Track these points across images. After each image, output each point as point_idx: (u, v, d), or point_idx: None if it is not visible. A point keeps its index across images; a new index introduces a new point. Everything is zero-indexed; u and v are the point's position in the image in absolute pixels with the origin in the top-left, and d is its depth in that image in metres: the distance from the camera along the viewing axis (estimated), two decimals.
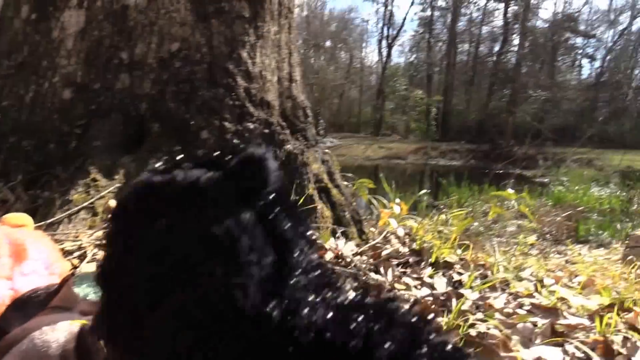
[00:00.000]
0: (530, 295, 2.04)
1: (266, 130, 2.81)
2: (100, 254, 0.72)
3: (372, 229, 2.81)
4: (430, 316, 0.62)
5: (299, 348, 0.55)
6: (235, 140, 2.67)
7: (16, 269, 1.16)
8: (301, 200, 2.56)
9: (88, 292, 0.98)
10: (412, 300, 1.87)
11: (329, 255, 2.20)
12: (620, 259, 4.60)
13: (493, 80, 34.93)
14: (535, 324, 1.71)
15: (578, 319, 1.81)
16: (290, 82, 3.23)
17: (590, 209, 7.94)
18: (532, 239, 3.64)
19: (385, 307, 0.61)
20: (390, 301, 0.62)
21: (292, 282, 0.61)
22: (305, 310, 0.58)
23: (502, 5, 36.66)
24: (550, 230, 6.41)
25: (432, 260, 2.29)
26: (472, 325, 1.63)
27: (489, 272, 2.28)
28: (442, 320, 1.65)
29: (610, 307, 1.93)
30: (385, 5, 39.38)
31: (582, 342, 1.61)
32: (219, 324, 0.56)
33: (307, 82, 31.18)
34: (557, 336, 1.64)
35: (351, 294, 0.63)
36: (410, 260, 2.31)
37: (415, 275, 2.14)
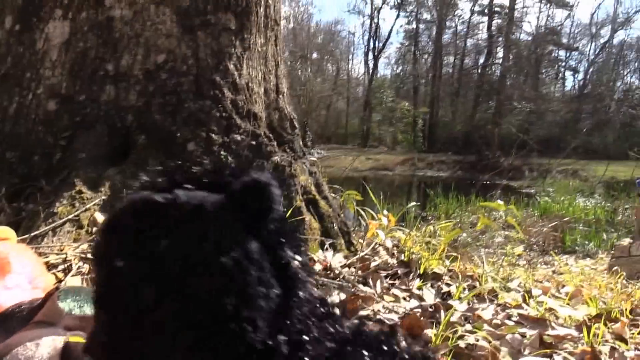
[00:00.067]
0: (518, 306, 2.04)
1: (253, 142, 2.80)
2: (90, 269, 0.70)
3: (360, 241, 2.80)
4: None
5: None
6: (222, 152, 2.66)
7: None
8: (289, 213, 2.55)
9: (73, 307, 0.95)
10: (401, 312, 1.86)
11: (317, 268, 2.19)
12: (606, 269, 4.64)
13: (478, 92, 35.32)
14: (523, 335, 1.71)
15: (566, 329, 1.81)
16: (277, 93, 3.23)
17: (576, 219, 8.01)
18: (519, 249, 3.66)
19: (386, 340, 0.62)
20: (392, 334, 0.62)
21: (297, 314, 0.61)
22: (311, 345, 0.58)
23: (486, 18, 37.21)
24: (537, 240, 6.46)
25: (420, 271, 2.29)
26: (461, 337, 1.62)
27: (477, 283, 2.28)
28: (431, 332, 1.65)
29: (597, 317, 1.94)
30: (371, 18, 39.81)
31: (570, 353, 1.61)
32: (228, 358, 0.55)
33: (294, 93, 31.25)
34: (545, 347, 1.64)
35: (351, 325, 0.63)
36: (399, 271, 2.30)
37: (403, 287, 2.13)
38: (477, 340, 1.61)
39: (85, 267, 1.88)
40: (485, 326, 1.75)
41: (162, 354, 0.56)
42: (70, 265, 1.86)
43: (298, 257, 0.64)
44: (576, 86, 39.42)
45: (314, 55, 43.14)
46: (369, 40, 40.49)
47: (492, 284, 2.24)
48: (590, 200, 10.02)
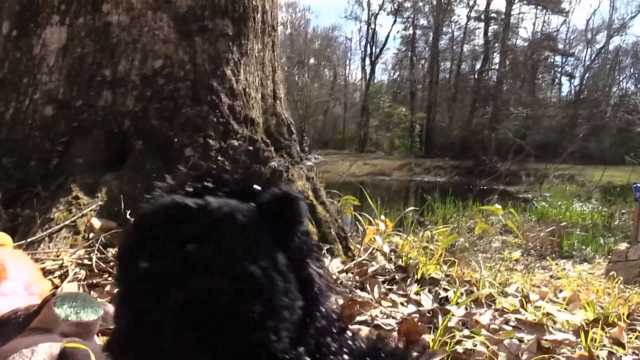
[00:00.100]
0: (516, 311, 2.04)
1: (250, 148, 2.80)
2: (114, 266, 0.70)
3: (358, 246, 2.80)
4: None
5: None
6: (219, 158, 2.66)
7: None
8: None
9: (69, 313, 0.95)
10: (399, 317, 1.85)
11: None
12: (603, 273, 4.64)
13: (475, 97, 35.41)
14: (521, 340, 1.71)
15: (564, 334, 1.81)
16: (275, 99, 3.23)
17: (573, 224, 8.02)
18: (517, 254, 3.66)
19: (402, 358, 0.63)
20: (407, 354, 0.64)
21: (317, 327, 0.62)
22: (330, 358, 0.60)
23: (482, 24, 37.36)
24: (535, 245, 6.46)
25: (418, 276, 2.29)
26: (459, 342, 1.62)
27: (474, 288, 2.28)
28: (429, 337, 1.64)
29: (595, 322, 1.94)
30: (368, 24, 39.91)
31: (568, 358, 1.61)
32: None
33: (291, 99, 31.30)
34: (543, 352, 1.64)
35: (367, 342, 0.66)
36: (396, 276, 2.30)
37: (401, 292, 2.13)
38: (475, 345, 1.61)
39: (82, 273, 1.87)
40: (483, 331, 1.75)
41: (183, 356, 0.56)
42: (67, 271, 1.85)
43: (321, 271, 0.65)
44: (572, 91, 39.56)
45: (311, 60, 43.23)
46: (366, 46, 40.60)
47: (490, 289, 2.24)
48: (587, 205, 10.04)
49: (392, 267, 2.42)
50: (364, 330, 1.63)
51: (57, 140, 2.60)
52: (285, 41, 38.38)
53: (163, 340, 0.57)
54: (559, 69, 39.79)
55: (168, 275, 0.57)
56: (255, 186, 0.64)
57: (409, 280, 2.28)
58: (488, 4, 36.14)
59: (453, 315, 1.82)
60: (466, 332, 1.74)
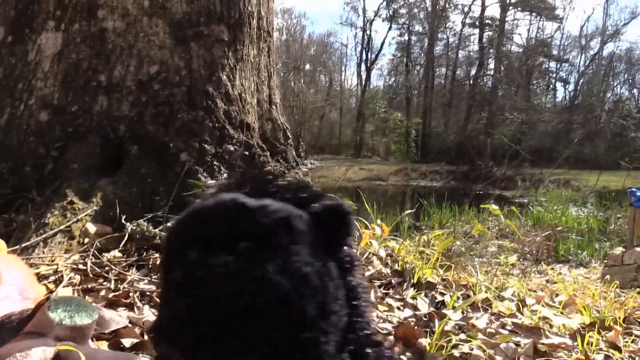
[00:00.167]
0: (512, 315, 2.03)
1: (246, 153, 2.80)
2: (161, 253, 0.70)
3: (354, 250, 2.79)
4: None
5: None
6: (215, 163, 2.65)
7: None
8: None
9: (64, 317, 0.94)
10: (395, 321, 1.85)
11: None
12: (599, 278, 4.65)
13: (470, 103, 35.54)
14: (518, 344, 1.71)
15: (560, 338, 1.81)
16: (270, 104, 3.23)
17: (568, 228, 8.04)
18: (513, 259, 3.66)
19: None
20: None
21: (359, 336, 0.65)
22: None
23: (477, 30, 37.56)
24: (531, 250, 6.47)
25: (414, 281, 2.29)
26: (455, 346, 1.62)
27: (471, 292, 2.28)
28: (426, 341, 1.64)
29: (591, 326, 1.94)
30: (364, 30, 40.08)
31: None
32: None
33: (287, 104, 31.33)
34: (539, 356, 1.64)
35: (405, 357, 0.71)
36: (393, 281, 2.30)
37: (397, 296, 2.13)
38: (472, 349, 1.61)
39: (77, 278, 1.86)
40: (480, 335, 1.74)
41: (233, 348, 0.56)
42: (62, 276, 1.84)
43: (363, 283, 0.69)
44: (567, 97, 39.79)
45: (307, 66, 43.36)
46: (361, 52, 40.78)
47: (486, 293, 2.24)
48: (582, 210, 10.06)
49: (389, 271, 2.41)
50: None
51: (52, 146, 2.60)
52: (281, 47, 38.49)
53: (211, 331, 0.57)
54: (554, 75, 40.04)
55: (218, 268, 0.57)
56: (307, 196, 0.67)
57: (406, 284, 2.27)
58: (483, 11, 36.38)
59: (449, 319, 1.82)
60: (463, 336, 1.73)
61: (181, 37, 2.78)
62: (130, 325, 1.50)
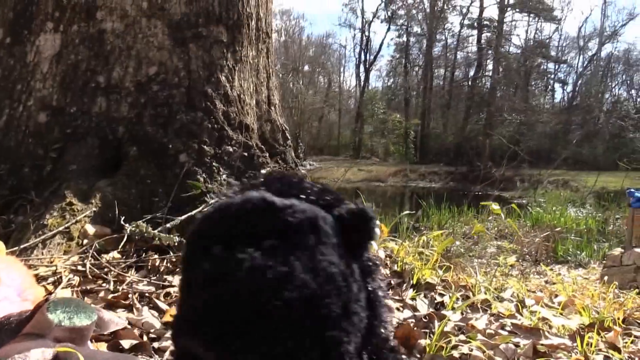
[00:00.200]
0: (511, 316, 2.03)
1: (245, 154, 2.80)
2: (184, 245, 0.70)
3: None
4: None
5: None
6: (214, 164, 2.65)
7: None
8: None
9: (62, 318, 0.94)
10: (395, 322, 1.85)
11: None
12: (598, 278, 4.65)
13: (469, 103, 35.58)
14: (517, 345, 1.71)
15: (559, 339, 1.81)
16: (269, 105, 3.23)
17: (567, 229, 8.05)
18: (512, 259, 3.66)
19: None
20: None
21: (378, 340, 0.66)
22: None
23: (475, 31, 37.61)
24: (530, 251, 6.47)
25: (413, 281, 2.28)
26: (455, 347, 1.62)
27: (470, 293, 2.28)
28: (425, 342, 1.64)
29: (590, 326, 1.94)
30: (362, 31, 40.12)
31: None
32: None
33: (286, 105, 31.34)
34: (539, 356, 1.64)
35: None
36: (392, 282, 2.29)
37: (397, 297, 2.12)
38: (471, 350, 1.61)
39: (76, 280, 1.86)
40: (479, 336, 1.74)
41: (256, 342, 0.56)
42: (61, 277, 1.84)
43: (384, 287, 0.70)
44: (565, 98, 39.88)
45: (306, 67, 43.39)
46: (360, 53, 40.82)
47: (486, 294, 2.24)
48: (581, 211, 10.07)
49: (388, 272, 2.41)
50: None
51: (50, 147, 2.59)
52: (280, 48, 38.52)
53: (235, 325, 0.57)
54: (552, 76, 40.11)
55: (245, 262, 0.58)
56: (331, 200, 0.68)
57: (405, 285, 2.27)
58: (481, 12, 36.44)
59: (449, 320, 1.82)
60: (462, 337, 1.73)
61: (180, 39, 2.78)
62: (129, 326, 1.50)
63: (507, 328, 1.90)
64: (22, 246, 2.02)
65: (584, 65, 38.66)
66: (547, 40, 38.82)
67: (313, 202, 0.66)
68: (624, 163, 13.18)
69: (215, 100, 2.80)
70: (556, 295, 2.59)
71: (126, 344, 1.38)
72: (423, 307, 2.03)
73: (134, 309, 1.67)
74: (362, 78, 40.15)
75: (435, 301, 2.14)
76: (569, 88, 39.35)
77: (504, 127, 31.04)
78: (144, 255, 2.15)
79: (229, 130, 2.80)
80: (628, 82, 39.25)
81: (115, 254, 2.14)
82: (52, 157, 2.57)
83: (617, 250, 5.39)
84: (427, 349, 1.60)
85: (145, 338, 1.48)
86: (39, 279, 1.77)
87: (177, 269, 2.09)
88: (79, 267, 1.96)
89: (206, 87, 2.80)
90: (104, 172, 2.57)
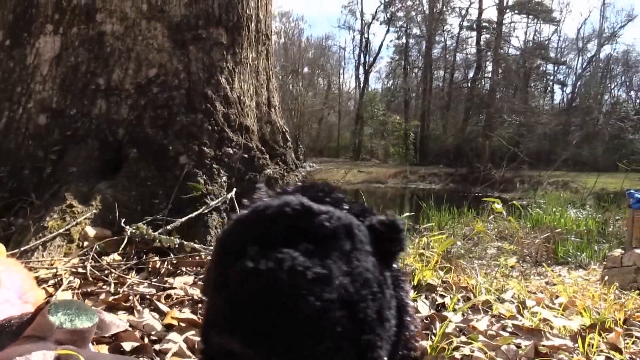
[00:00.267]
0: (513, 317, 2.03)
1: (245, 155, 2.80)
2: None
3: None
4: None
5: None
6: (214, 165, 2.65)
7: None
8: None
9: (64, 321, 0.94)
10: None
11: None
12: (599, 279, 4.65)
13: (469, 105, 35.59)
14: (518, 346, 1.70)
15: (561, 340, 1.81)
16: (269, 107, 3.23)
17: (567, 230, 8.03)
18: (512, 261, 3.66)
19: None
20: None
21: (404, 348, 0.68)
22: None
23: (474, 33, 37.65)
24: (530, 252, 6.46)
25: (414, 283, 2.28)
26: (456, 348, 1.62)
27: (471, 295, 2.28)
28: (427, 344, 1.64)
29: (591, 327, 1.93)
30: (362, 33, 40.13)
31: None
32: None
33: (285, 107, 31.35)
34: (540, 357, 1.64)
35: None
36: None
37: None
38: (473, 351, 1.61)
39: (76, 282, 1.86)
40: (481, 337, 1.74)
41: (291, 343, 0.57)
42: (61, 279, 1.84)
43: (410, 297, 0.72)
44: (565, 99, 39.88)
45: (305, 69, 43.38)
46: (359, 55, 40.81)
47: (487, 295, 2.24)
48: (581, 212, 10.06)
49: None
50: None
51: (50, 149, 2.59)
52: (279, 50, 38.53)
53: (273, 323, 0.57)
54: (551, 77, 40.13)
55: (286, 262, 0.58)
56: (362, 209, 0.70)
57: None
58: (480, 14, 36.48)
59: (450, 321, 1.82)
60: (463, 338, 1.73)
61: (180, 41, 2.78)
62: (130, 328, 1.50)
63: (509, 329, 1.89)
64: (22, 248, 2.02)
65: (583, 66, 38.72)
66: (546, 42, 38.86)
67: (346, 211, 0.67)
68: (624, 164, 13.19)
69: (215, 102, 2.80)
70: (557, 297, 2.59)
71: (127, 346, 1.38)
72: (424, 309, 2.03)
73: (135, 311, 1.67)
74: (362, 80, 40.19)
75: (436, 302, 2.14)
76: (568, 89, 39.39)
77: (504, 129, 31.04)
78: (144, 257, 2.15)
79: (229, 132, 2.80)
80: (627, 83, 39.31)
81: (115, 256, 2.14)
82: (52, 159, 2.57)
83: (618, 252, 5.39)
84: (429, 351, 1.60)
85: (146, 340, 1.48)
86: (40, 281, 1.77)
87: (178, 271, 2.09)
88: (80, 270, 1.96)
89: (206, 89, 2.80)
90: (104, 174, 2.57)
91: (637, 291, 3.07)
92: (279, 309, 0.56)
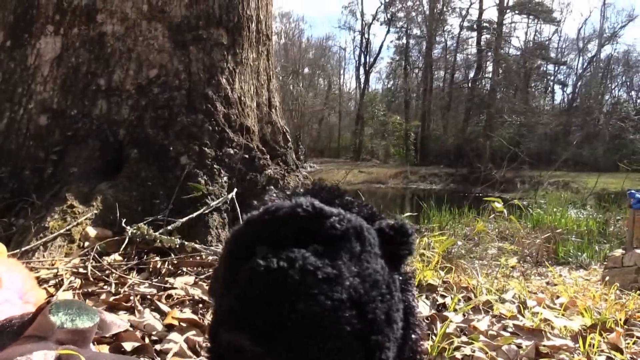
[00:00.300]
0: (513, 317, 2.03)
1: (246, 156, 2.80)
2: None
3: None
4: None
5: None
6: (215, 166, 2.65)
7: None
8: None
9: (65, 320, 0.94)
10: None
11: None
12: (599, 280, 4.65)
13: (469, 105, 35.60)
14: (519, 346, 1.70)
15: (562, 340, 1.81)
16: (270, 107, 3.23)
17: (568, 231, 8.02)
18: (513, 261, 3.66)
19: None
20: None
21: (412, 349, 0.69)
22: None
23: (475, 33, 37.65)
24: (531, 252, 6.46)
25: (415, 283, 2.28)
26: (457, 348, 1.62)
27: (472, 295, 2.27)
28: (427, 344, 1.64)
29: (592, 327, 1.93)
30: (362, 34, 40.18)
31: None
32: None
33: (286, 108, 31.36)
34: (541, 357, 1.64)
35: None
36: None
37: None
38: (474, 352, 1.61)
39: (77, 282, 1.86)
40: (481, 337, 1.74)
41: (302, 343, 0.57)
42: (62, 280, 1.84)
43: (416, 301, 0.72)
44: (565, 99, 39.91)
45: (306, 70, 43.43)
46: (359, 56, 40.87)
47: (487, 295, 2.24)
48: (582, 212, 10.04)
49: None
50: None
51: (51, 150, 2.59)
52: (280, 51, 38.56)
53: (284, 320, 0.57)
54: (552, 78, 40.13)
55: (297, 261, 0.59)
56: (371, 212, 0.72)
57: None
58: (480, 14, 36.50)
59: (451, 321, 1.82)
60: (464, 338, 1.73)
61: (180, 41, 2.78)
62: (131, 328, 1.50)
63: (509, 329, 1.89)
64: (23, 249, 2.02)
65: (584, 66, 38.73)
66: (547, 42, 38.87)
67: (356, 214, 0.68)
68: (625, 164, 13.17)
69: (216, 102, 2.80)
70: (558, 297, 2.59)
71: (128, 346, 1.38)
72: (425, 309, 2.03)
73: (136, 311, 1.67)
74: (362, 80, 40.24)
75: (437, 303, 2.14)
76: (569, 89, 39.41)
77: (504, 129, 31.04)
78: (145, 258, 2.15)
79: (229, 132, 2.80)
80: (628, 83, 39.31)
81: (116, 256, 2.14)
82: (53, 159, 2.57)
83: (618, 252, 5.38)
84: (430, 351, 1.60)
85: (147, 340, 1.48)
86: (41, 281, 1.77)
87: (179, 271, 2.09)
88: (81, 270, 1.96)
89: (207, 90, 2.80)
90: (104, 175, 2.57)
91: (638, 291, 3.06)
92: (289, 307, 0.57)
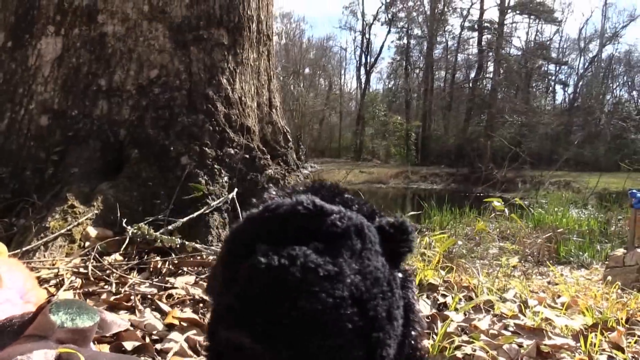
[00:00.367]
0: (514, 317, 2.03)
1: (247, 156, 2.80)
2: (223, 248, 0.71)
3: None
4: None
5: None
6: (216, 166, 2.65)
7: None
8: None
9: (65, 320, 0.94)
10: None
11: None
12: (601, 279, 4.64)
13: (470, 105, 35.58)
14: (520, 345, 1.70)
15: (563, 339, 1.80)
16: (270, 107, 3.23)
17: (569, 230, 8.02)
18: (514, 260, 3.66)
19: None
20: None
21: (412, 346, 0.69)
22: None
23: (476, 34, 37.63)
24: (532, 251, 6.46)
25: (416, 282, 2.28)
26: (458, 348, 1.61)
27: (472, 294, 2.27)
28: (428, 343, 1.63)
29: (593, 326, 1.93)
30: (363, 34, 40.17)
31: None
32: None
33: (287, 108, 31.36)
34: (542, 357, 1.64)
35: None
36: None
37: None
38: (475, 351, 1.60)
39: (78, 282, 1.86)
40: (482, 336, 1.74)
41: (303, 339, 0.57)
42: (63, 280, 1.84)
43: (416, 298, 0.72)
44: (566, 99, 39.84)
45: (307, 70, 43.43)
46: (360, 56, 40.86)
47: (488, 295, 2.23)
48: (583, 212, 10.03)
49: None
50: None
51: (52, 150, 2.60)
52: (281, 51, 38.57)
53: (285, 317, 0.57)
54: (553, 78, 40.09)
55: (298, 259, 0.59)
56: (371, 210, 0.72)
57: None
58: (481, 14, 36.48)
59: (452, 320, 1.82)
60: (465, 337, 1.73)
61: (181, 41, 2.78)
62: (131, 328, 1.50)
63: (510, 328, 1.89)
64: (24, 249, 2.02)
65: (585, 66, 38.70)
66: (548, 42, 38.83)
67: (356, 212, 0.68)
68: (626, 164, 13.16)
69: (216, 102, 2.80)
70: (559, 296, 2.59)
71: (129, 345, 1.38)
72: (426, 308, 2.02)
73: (137, 311, 1.67)
74: (363, 80, 40.23)
75: (438, 302, 2.14)
76: (570, 89, 39.35)
77: (505, 129, 31.02)
78: (145, 257, 2.15)
79: (230, 132, 2.80)
80: (629, 83, 39.25)
81: (117, 256, 2.14)
82: (53, 160, 2.57)
83: (620, 251, 5.38)
84: (430, 350, 1.60)
85: (147, 339, 1.48)
86: (41, 281, 1.77)
87: (179, 271, 2.09)
88: (81, 270, 1.96)
89: (207, 90, 2.80)
90: (105, 175, 2.57)
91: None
92: (290, 304, 0.57)
